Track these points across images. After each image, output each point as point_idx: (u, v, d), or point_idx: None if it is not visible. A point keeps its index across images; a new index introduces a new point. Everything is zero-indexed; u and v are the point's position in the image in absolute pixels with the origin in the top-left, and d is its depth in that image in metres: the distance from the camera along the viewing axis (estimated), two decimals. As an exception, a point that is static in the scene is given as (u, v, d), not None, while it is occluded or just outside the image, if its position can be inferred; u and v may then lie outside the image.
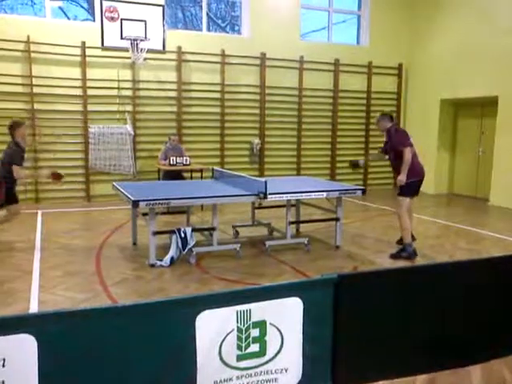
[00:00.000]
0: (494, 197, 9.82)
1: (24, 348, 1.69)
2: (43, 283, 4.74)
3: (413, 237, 6.18)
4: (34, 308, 4.11)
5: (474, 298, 2.58)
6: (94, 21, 9.58)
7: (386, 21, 11.69)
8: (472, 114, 10.93)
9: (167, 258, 5.39)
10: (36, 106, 9.08)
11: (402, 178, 5.73)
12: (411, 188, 5.89)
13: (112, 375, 1.93)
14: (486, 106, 10.35)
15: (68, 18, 10.08)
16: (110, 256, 5.78)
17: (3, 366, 1.66)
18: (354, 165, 6.94)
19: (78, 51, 9.25)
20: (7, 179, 5.85)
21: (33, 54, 8.94)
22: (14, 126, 5.98)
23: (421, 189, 6.09)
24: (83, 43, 9.23)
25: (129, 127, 9.49)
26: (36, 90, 9.05)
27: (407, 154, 5.72)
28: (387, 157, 6.35)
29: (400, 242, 6.25)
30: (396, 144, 5.85)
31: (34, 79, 9.00)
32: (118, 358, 1.93)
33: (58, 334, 1.78)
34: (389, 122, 6.09)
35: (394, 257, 5.85)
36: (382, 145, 6.50)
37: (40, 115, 9.14)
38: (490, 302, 2.61)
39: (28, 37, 8.85)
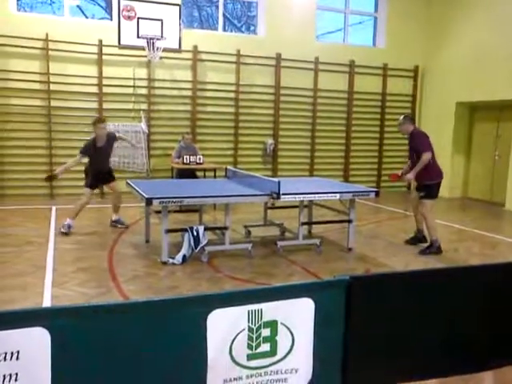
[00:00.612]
0: (510, 202, 9.70)
1: (38, 341, 1.71)
2: (56, 278, 4.80)
3: (424, 238, 6.26)
4: (47, 302, 4.16)
5: (489, 303, 2.55)
6: (111, 19, 9.67)
7: (403, 23, 11.61)
8: (488, 117, 10.80)
9: (179, 256, 5.41)
10: (52, 103, 9.18)
11: (411, 176, 5.97)
12: (435, 190, 6.06)
13: (123, 371, 1.94)
14: (504, 110, 10.23)
15: (86, 17, 10.19)
16: (122, 253, 5.83)
17: (17, 358, 1.68)
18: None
19: (95, 49, 9.34)
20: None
21: (50, 52, 9.04)
22: (93, 123, 6.85)
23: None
24: (100, 41, 9.31)
25: (143, 125, 9.53)
26: (53, 87, 9.15)
27: (425, 158, 5.91)
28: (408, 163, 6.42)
29: (409, 241, 6.48)
30: (419, 146, 5.98)
31: (51, 76, 9.11)
32: (128, 355, 1.94)
33: (71, 329, 1.80)
34: (411, 125, 6.23)
35: (422, 252, 6.04)
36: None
37: (56, 112, 9.25)
38: (506, 307, 2.58)
39: (46, 35, 8.96)
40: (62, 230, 6.50)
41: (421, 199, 6.10)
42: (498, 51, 9.90)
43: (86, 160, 6.90)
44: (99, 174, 6.84)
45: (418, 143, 6.03)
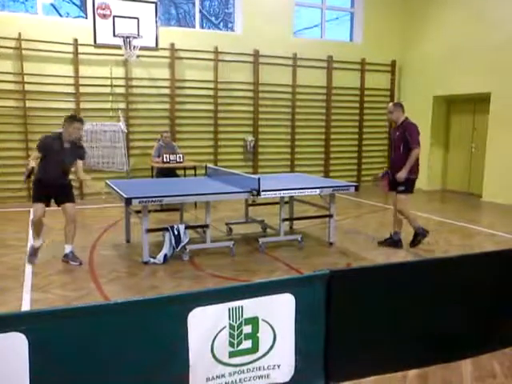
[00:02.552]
0: (487, 192, 9.88)
1: (15, 346, 1.69)
2: (36, 282, 4.73)
3: (400, 241, 6.16)
4: (26, 307, 4.10)
5: (464, 294, 2.59)
6: (86, 18, 9.53)
7: (379, 18, 11.70)
8: (465, 110, 10.97)
9: (160, 256, 5.38)
10: (28, 104, 9.02)
11: (403, 174, 5.79)
12: (413, 184, 6.01)
13: (104, 373, 1.92)
14: (479, 103, 10.40)
15: (60, 15, 10.03)
16: (103, 254, 5.77)
17: (-6, 364, 1.65)
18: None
19: (71, 48, 9.20)
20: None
21: (24, 51, 8.87)
22: (65, 119, 5.33)
23: (415, 185, 6.15)
24: (75, 40, 9.18)
25: (122, 125, 9.44)
26: (28, 87, 8.99)
27: (416, 154, 5.82)
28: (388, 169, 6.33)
29: (382, 242, 6.27)
30: (411, 140, 5.81)
31: (25, 77, 8.94)
32: (110, 356, 1.93)
33: (49, 332, 1.78)
34: (403, 114, 6.02)
35: (412, 244, 6.09)
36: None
37: (32, 113, 9.09)
38: (480, 297, 2.63)
39: (19, 34, 8.79)
40: (30, 262, 5.29)
41: (398, 193, 5.99)
42: (473, 45, 10.04)
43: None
44: (49, 185, 5.25)
45: (411, 136, 5.81)
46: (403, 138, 5.88)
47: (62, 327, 1.80)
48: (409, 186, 5.93)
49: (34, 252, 5.36)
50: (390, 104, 6.19)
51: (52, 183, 5.25)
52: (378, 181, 6.60)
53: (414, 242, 6.13)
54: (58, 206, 5.41)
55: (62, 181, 5.38)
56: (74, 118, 5.36)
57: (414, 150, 5.78)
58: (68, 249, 5.39)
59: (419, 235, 6.10)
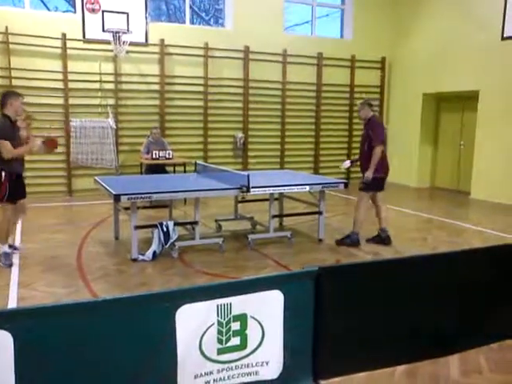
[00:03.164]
0: (475, 190, 9.95)
1: (-1, 344, 1.67)
2: (23, 279, 4.68)
3: (388, 238, 6.18)
4: (13, 305, 4.05)
5: (453, 290, 2.61)
6: (74, 12, 9.43)
7: (370, 15, 11.71)
8: (453, 107, 11.03)
9: (149, 253, 5.35)
10: (15, 99, 8.90)
11: (370, 174, 5.74)
12: (378, 183, 5.93)
13: (92, 370, 1.91)
14: (467, 100, 10.46)
15: (48, 9, 9.91)
16: (91, 251, 5.73)
17: (-22, 362, 1.63)
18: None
19: (59, 43, 9.10)
20: None
21: (11, 46, 8.76)
22: (6, 96, 4.93)
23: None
24: (64, 35, 9.08)
25: (111, 121, 9.38)
26: (15, 82, 8.87)
27: (379, 152, 5.74)
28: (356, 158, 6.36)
29: (370, 239, 6.25)
30: (374, 137, 5.77)
31: (12, 71, 8.83)
32: (97, 353, 1.92)
33: (35, 330, 1.76)
34: (370, 111, 5.99)
35: (339, 242, 6.07)
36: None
37: (20, 108, 8.98)
38: (469, 293, 2.64)
39: (6, 28, 8.67)
40: (10, 266, 5.02)
41: (359, 190, 5.99)
42: (462, 43, 10.10)
43: None
44: (21, 178, 5.07)
45: (374, 133, 5.77)
46: (368, 136, 5.86)
47: (49, 325, 1.78)
48: (373, 184, 5.85)
49: (10, 256, 5.14)
50: (359, 102, 6.24)
51: (21, 174, 5.09)
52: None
53: (341, 241, 6.07)
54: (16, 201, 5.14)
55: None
56: (16, 93, 5.03)
57: (376, 148, 5.72)
58: (6, 248, 5.14)
59: (349, 239, 6.03)
